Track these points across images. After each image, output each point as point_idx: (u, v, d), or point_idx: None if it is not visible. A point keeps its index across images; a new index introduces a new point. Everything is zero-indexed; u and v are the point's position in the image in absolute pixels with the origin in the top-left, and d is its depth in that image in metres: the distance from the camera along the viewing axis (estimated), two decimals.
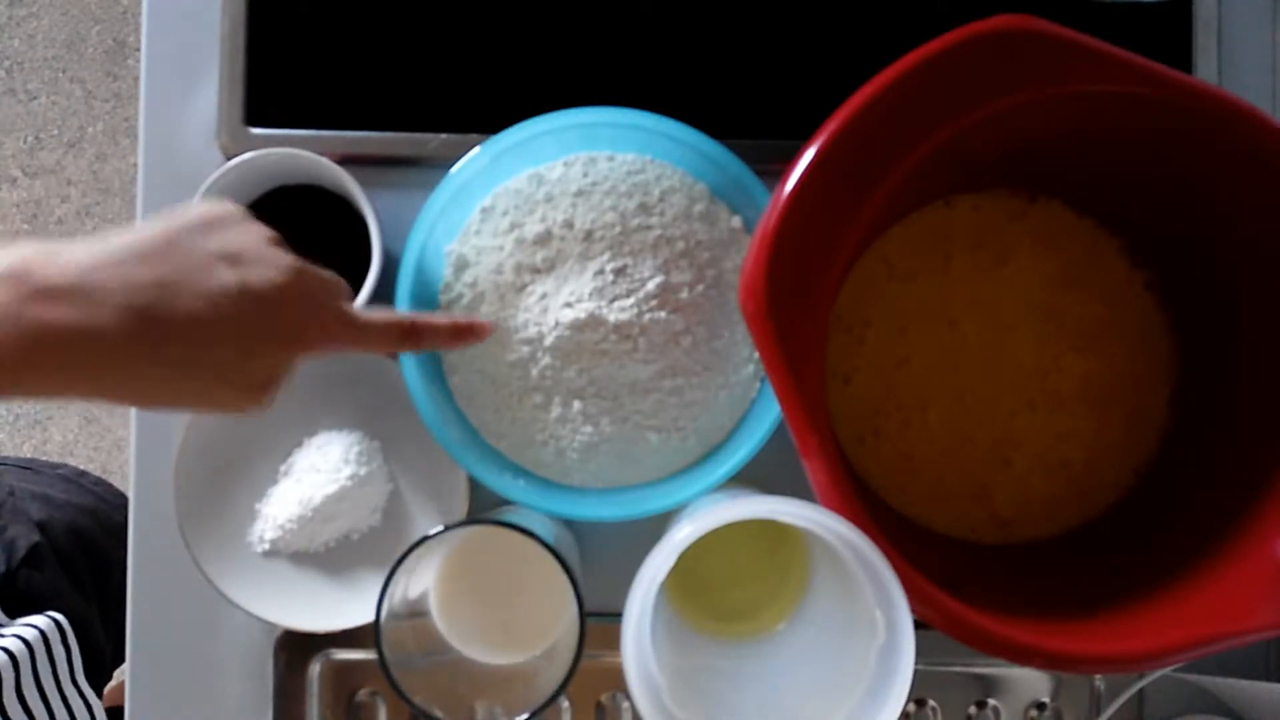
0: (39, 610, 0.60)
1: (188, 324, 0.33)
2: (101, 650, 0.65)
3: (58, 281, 0.32)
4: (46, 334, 0.31)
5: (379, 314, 0.40)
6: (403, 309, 0.47)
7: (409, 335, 0.41)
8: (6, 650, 0.54)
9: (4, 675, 0.53)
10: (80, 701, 0.59)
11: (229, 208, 0.37)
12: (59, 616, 0.59)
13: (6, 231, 1.30)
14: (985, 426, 0.51)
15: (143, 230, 0.34)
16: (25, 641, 0.55)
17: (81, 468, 0.76)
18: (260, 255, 0.36)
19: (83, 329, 0.32)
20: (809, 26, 0.53)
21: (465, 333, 0.43)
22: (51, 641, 0.57)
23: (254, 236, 0.36)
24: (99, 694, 0.62)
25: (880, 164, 0.41)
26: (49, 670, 0.57)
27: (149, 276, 0.33)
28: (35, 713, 0.55)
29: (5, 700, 0.53)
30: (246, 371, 0.36)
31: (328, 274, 0.38)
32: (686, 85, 0.53)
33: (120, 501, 0.75)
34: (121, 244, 0.33)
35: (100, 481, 0.76)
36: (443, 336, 0.43)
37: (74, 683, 0.59)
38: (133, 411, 0.53)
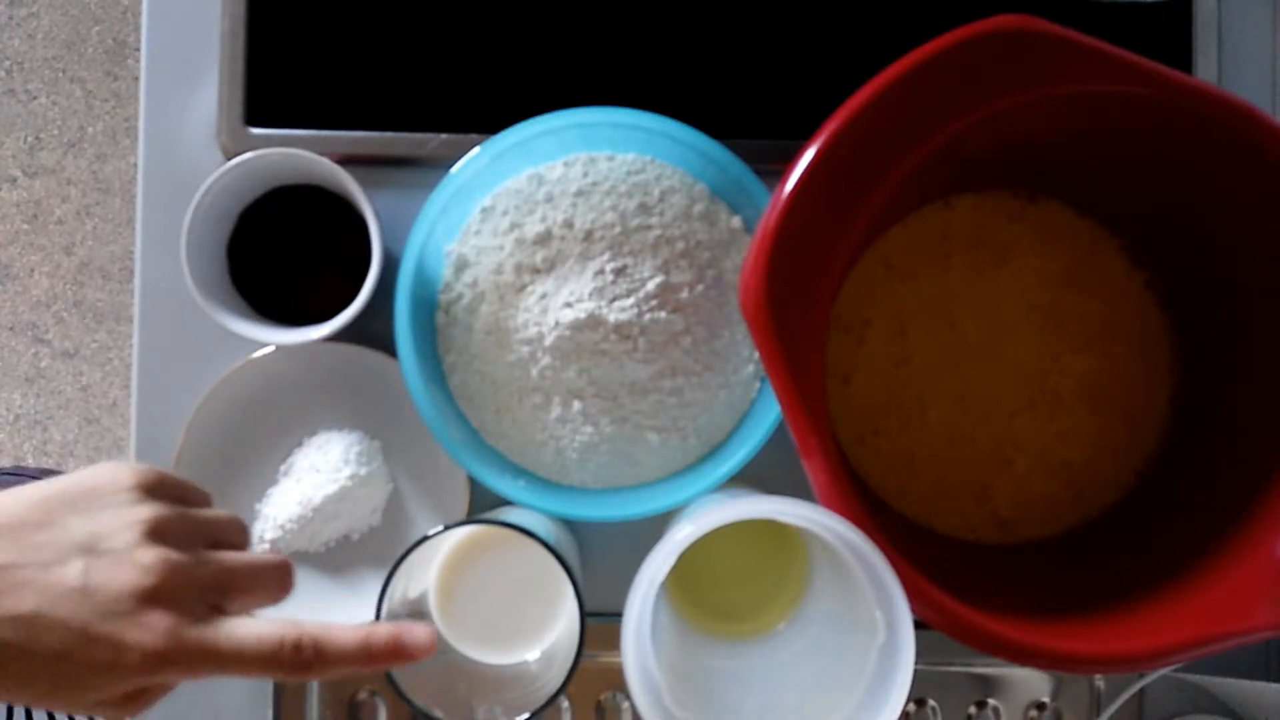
0: None
1: (17, 626, 0.30)
2: None
3: None
4: None
5: (254, 629, 0.32)
6: (402, 317, 0.47)
7: (296, 661, 0.32)
8: None
9: None
10: None
11: (119, 477, 0.33)
12: None
13: (6, 231, 1.30)
14: (985, 426, 0.51)
15: (16, 495, 0.32)
16: None
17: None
18: (120, 547, 0.31)
19: None
20: (809, 26, 0.53)
21: (383, 655, 0.34)
22: None
23: (125, 521, 0.32)
24: None
25: (880, 164, 0.41)
26: None
27: None
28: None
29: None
30: (84, 689, 0.31)
31: (207, 567, 0.33)
32: (686, 85, 0.53)
33: None
34: None
35: None
36: (350, 661, 0.33)
37: None
38: (133, 412, 0.53)
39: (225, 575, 0.33)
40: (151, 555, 0.31)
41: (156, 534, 0.32)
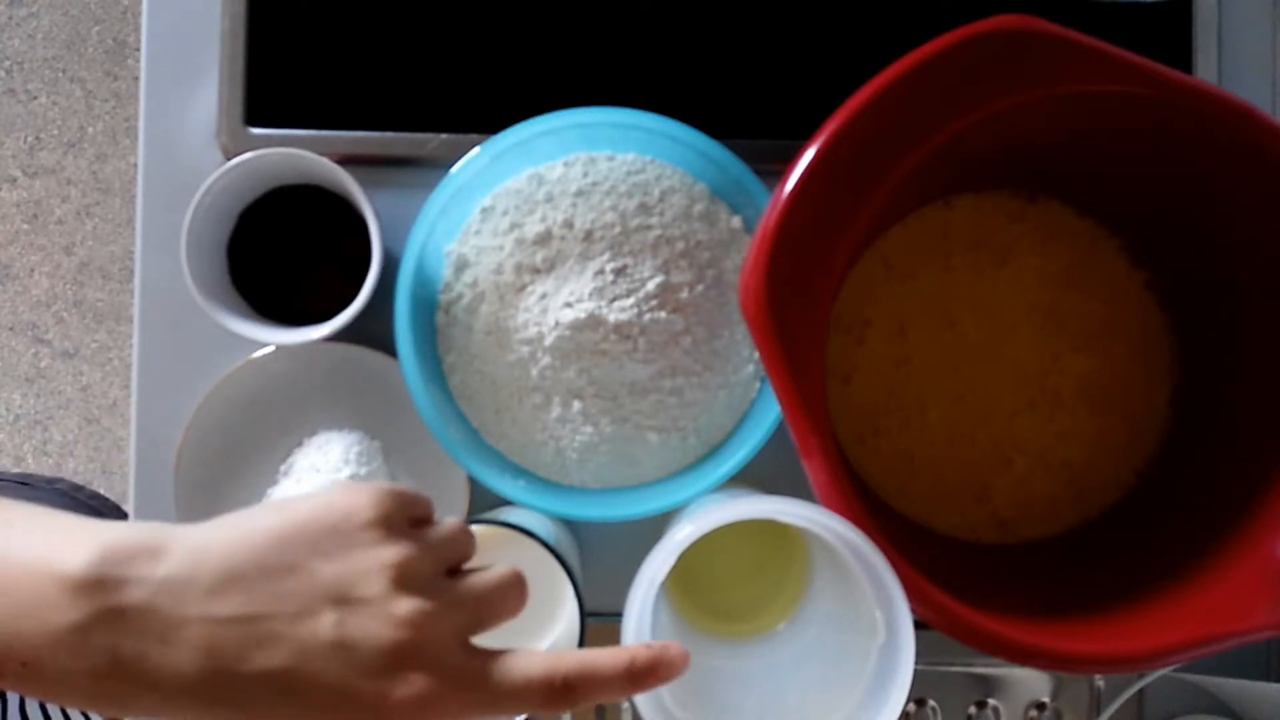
0: None
1: (273, 681, 0.28)
2: None
3: (133, 602, 0.28)
4: (118, 669, 0.28)
5: (520, 670, 0.30)
6: (402, 317, 0.47)
7: (561, 696, 0.30)
8: None
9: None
10: None
11: (360, 510, 0.30)
12: None
13: (6, 231, 1.30)
14: (985, 426, 0.51)
15: (248, 532, 0.29)
16: None
17: (77, 475, 0.77)
18: (373, 597, 0.29)
19: (155, 668, 0.28)
20: (809, 26, 0.53)
21: (643, 676, 0.31)
22: None
23: (375, 565, 0.30)
24: None
25: (880, 164, 0.41)
26: None
27: (237, 609, 0.28)
28: (53, 715, 0.55)
29: (28, 707, 0.53)
30: None
31: (458, 616, 0.31)
32: (686, 85, 0.53)
33: (117, 515, 0.75)
34: (218, 551, 0.29)
35: (96, 495, 0.76)
36: (616, 688, 0.31)
37: None
38: (133, 412, 0.53)
39: (475, 608, 0.31)
40: (406, 607, 0.29)
41: (407, 579, 0.30)
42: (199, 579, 0.28)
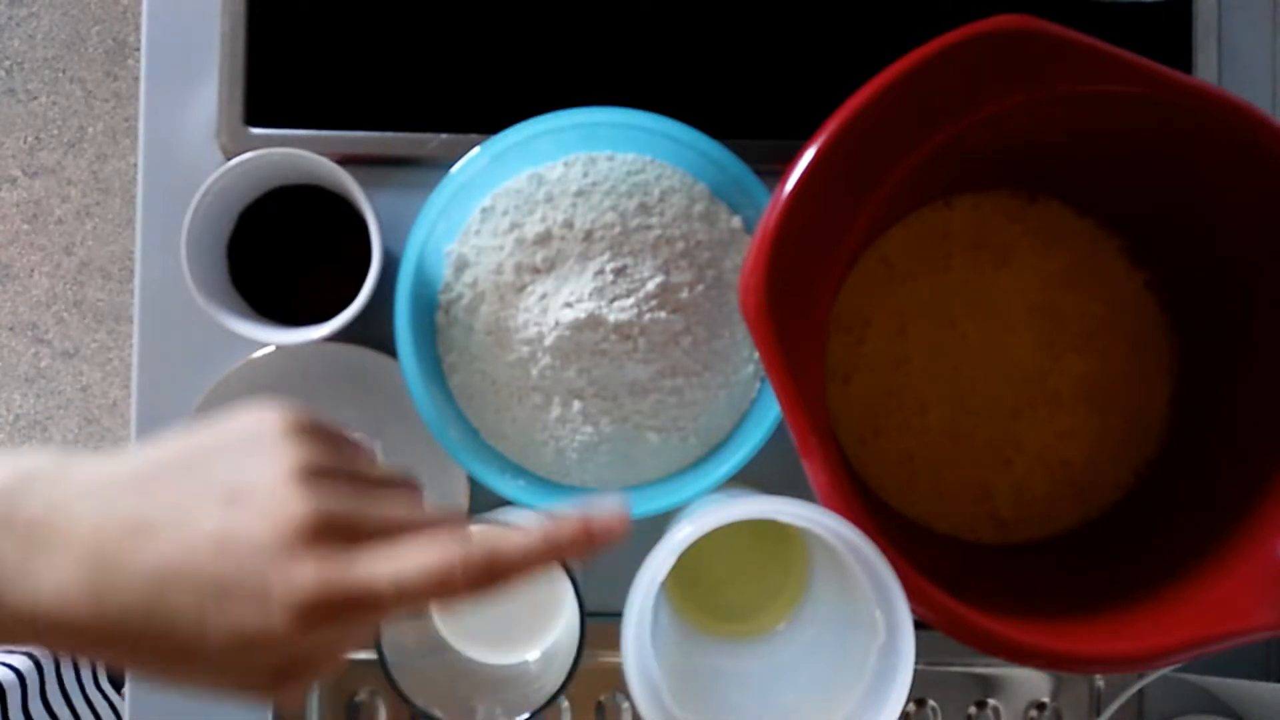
0: None
1: (151, 577, 0.27)
2: None
3: (26, 514, 0.27)
4: None
5: (424, 554, 0.28)
6: (402, 317, 0.47)
7: (471, 586, 0.28)
8: (31, 656, 0.54)
9: (28, 680, 0.53)
10: (105, 703, 0.59)
11: (272, 419, 0.30)
12: None
13: (6, 231, 1.30)
14: (985, 426, 0.51)
15: (168, 443, 0.29)
16: None
17: None
18: (267, 494, 0.28)
19: (32, 580, 0.27)
20: (809, 26, 0.53)
21: (576, 548, 0.30)
22: None
23: (276, 465, 0.28)
24: (119, 693, 0.63)
25: (880, 164, 0.41)
26: (73, 675, 0.57)
27: (130, 512, 0.28)
28: (59, 715, 0.55)
29: (30, 704, 0.53)
30: (229, 655, 0.27)
31: (365, 519, 0.29)
32: (686, 85, 0.53)
33: None
34: (132, 463, 0.29)
35: None
36: (533, 564, 0.29)
37: (97, 686, 0.59)
38: (133, 412, 0.53)
39: (385, 528, 0.29)
40: (299, 501, 0.28)
41: (307, 480, 0.28)
42: (105, 488, 0.28)
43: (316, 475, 0.29)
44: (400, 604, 0.28)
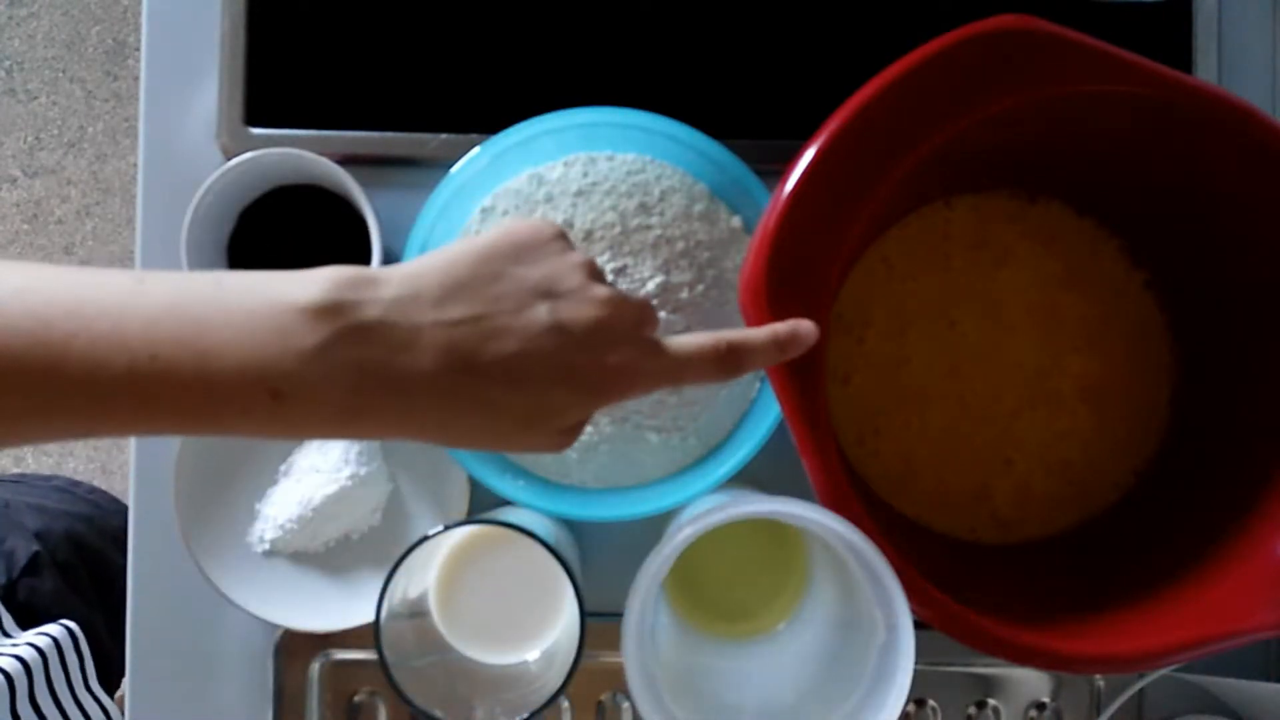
0: (42, 620, 0.60)
1: (506, 366, 0.32)
2: (109, 654, 0.66)
3: (370, 318, 0.30)
4: (366, 380, 0.30)
5: (690, 341, 0.36)
6: None
7: (727, 360, 0.36)
8: (20, 659, 0.54)
9: (17, 683, 0.53)
10: (95, 706, 0.59)
11: (543, 229, 0.35)
12: (72, 625, 0.59)
13: (6, 231, 1.30)
14: (985, 426, 0.51)
15: (455, 256, 0.33)
16: (39, 650, 0.56)
17: (77, 474, 0.77)
18: (574, 288, 0.34)
19: (401, 373, 0.31)
20: (809, 26, 0.53)
21: (788, 344, 0.38)
22: (65, 649, 0.58)
23: (568, 266, 0.34)
24: (111, 697, 0.63)
25: (880, 164, 0.41)
26: (62, 677, 0.57)
27: (464, 312, 0.32)
28: (48, 717, 0.55)
29: (19, 707, 0.53)
30: (561, 415, 0.34)
31: (637, 302, 0.36)
32: (686, 85, 0.53)
33: (116, 508, 0.75)
34: (433, 272, 0.32)
35: (95, 490, 0.76)
36: (763, 353, 0.37)
37: (88, 688, 0.59)
38: None
39: (648, 308, 0.36)
40: (603, 291, 0.34)
41: (596, 273, 0.35)
42: (423, 294, 0.31)
43: (596, 269, 0.35)
44: (685, 377, 0.36)
